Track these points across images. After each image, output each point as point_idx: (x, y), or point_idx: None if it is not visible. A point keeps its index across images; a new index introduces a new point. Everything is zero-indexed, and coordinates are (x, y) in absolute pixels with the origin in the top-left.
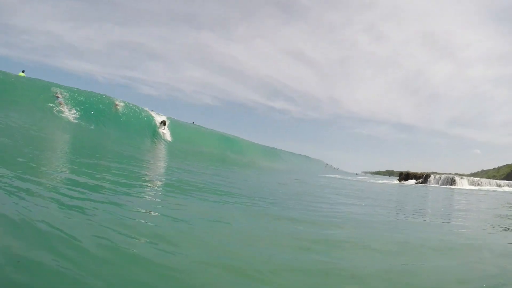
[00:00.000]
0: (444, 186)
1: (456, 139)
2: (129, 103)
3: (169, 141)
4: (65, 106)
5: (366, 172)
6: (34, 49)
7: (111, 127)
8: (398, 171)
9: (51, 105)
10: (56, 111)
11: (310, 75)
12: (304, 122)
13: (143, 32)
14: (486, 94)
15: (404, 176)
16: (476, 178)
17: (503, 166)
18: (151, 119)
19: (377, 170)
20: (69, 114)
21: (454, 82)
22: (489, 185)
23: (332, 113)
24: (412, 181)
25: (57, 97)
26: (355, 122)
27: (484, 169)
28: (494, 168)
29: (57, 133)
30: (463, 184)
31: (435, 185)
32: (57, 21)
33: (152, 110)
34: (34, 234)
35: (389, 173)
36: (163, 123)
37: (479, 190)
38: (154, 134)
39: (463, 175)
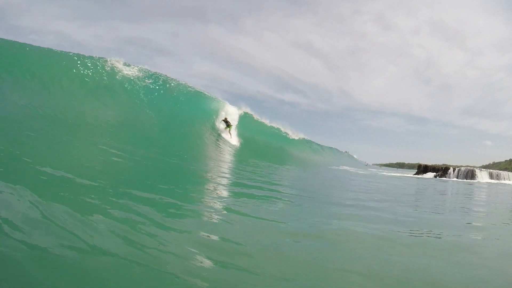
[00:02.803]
0: (464, 180)
1: (467, 130)
2: (188, 86)
3: (236, 146)
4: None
5: (376, 164)
6: None
7: (157, 117)
8: (408, 163)
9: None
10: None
11: (319, 67)
12: (315, 114)
13: (151, 28)
14: (499, 83)
15: (423, 169)
16: (496, 171)
17: None
18: (217, 112)
19: (387, 162)
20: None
21: (466, 71)
22: (508, 179)
23: (343, 105)
24: (431, 174)
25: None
26: (366, 114)
27: (496, 161)
28: (506, 161)
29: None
30: (483, 177)
31: (455, 178)
32: (65, 20)
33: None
34: None
35: (400, 165)
36: (226, 122)
37: (501, 184)
38: (218, 134)
39: (474, 167)
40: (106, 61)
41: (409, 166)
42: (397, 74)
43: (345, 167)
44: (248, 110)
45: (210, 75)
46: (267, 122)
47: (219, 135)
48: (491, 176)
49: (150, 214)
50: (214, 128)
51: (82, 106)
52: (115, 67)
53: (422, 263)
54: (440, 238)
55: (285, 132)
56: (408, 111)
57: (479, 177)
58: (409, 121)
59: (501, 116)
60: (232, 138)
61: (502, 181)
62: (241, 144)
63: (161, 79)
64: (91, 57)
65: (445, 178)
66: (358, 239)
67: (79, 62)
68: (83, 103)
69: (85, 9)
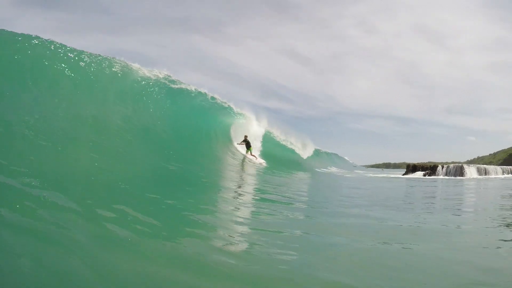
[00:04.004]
0: (453, 178)
1: (451, 128)
2: (216, 99)
3: (263, 166)
4: None
5: (363, 166)
6: None
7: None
8: (394, 163)
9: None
10: None
11: (304, 73)
12: (300, 120)
13: (137, 40)
14: (482, 81)
15: (412, 168)
16: (483, 166)
17: (499, 151)
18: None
19: (374, 163)
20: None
21: (449, 71)
22: (495, 174)
23: (328, 109)
24: (420, 173)
25: None
26: (351, 117)
27: (480, 155)
28: (490, 154)
29: None
30: (471, 173)
31: (444, 176)
32: (50, 34)
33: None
34: None
35: (386, 166)
36: (246, 143)
37: (489, 179)
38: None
39: (460, 162)
40: (117, 60)
41: (395, 166)
42: (381, 76)
43: (334, 169)
44: (266, 125)
45: (197, 86)
46: (278, 133)
47: (237, 150)
48: (479, 172)
49: (164, 216)
50: (229, 140)
51: (92, 107)
52: (129, 68)
53: (411, 254)
54: (429, 234)
55: (298, 148)
56: (393, 112)
57: (467, 173)
58: (394, 122)
59: (483, 112)
60: (257, 159)
61: (490, 176)
62: (249, 155)
63: (186, 88)
64: (100, 56)
65: (434, 177)
66: (356, 238)
67: (88, 60)
68: (92, 104)
69: (70, 22)
